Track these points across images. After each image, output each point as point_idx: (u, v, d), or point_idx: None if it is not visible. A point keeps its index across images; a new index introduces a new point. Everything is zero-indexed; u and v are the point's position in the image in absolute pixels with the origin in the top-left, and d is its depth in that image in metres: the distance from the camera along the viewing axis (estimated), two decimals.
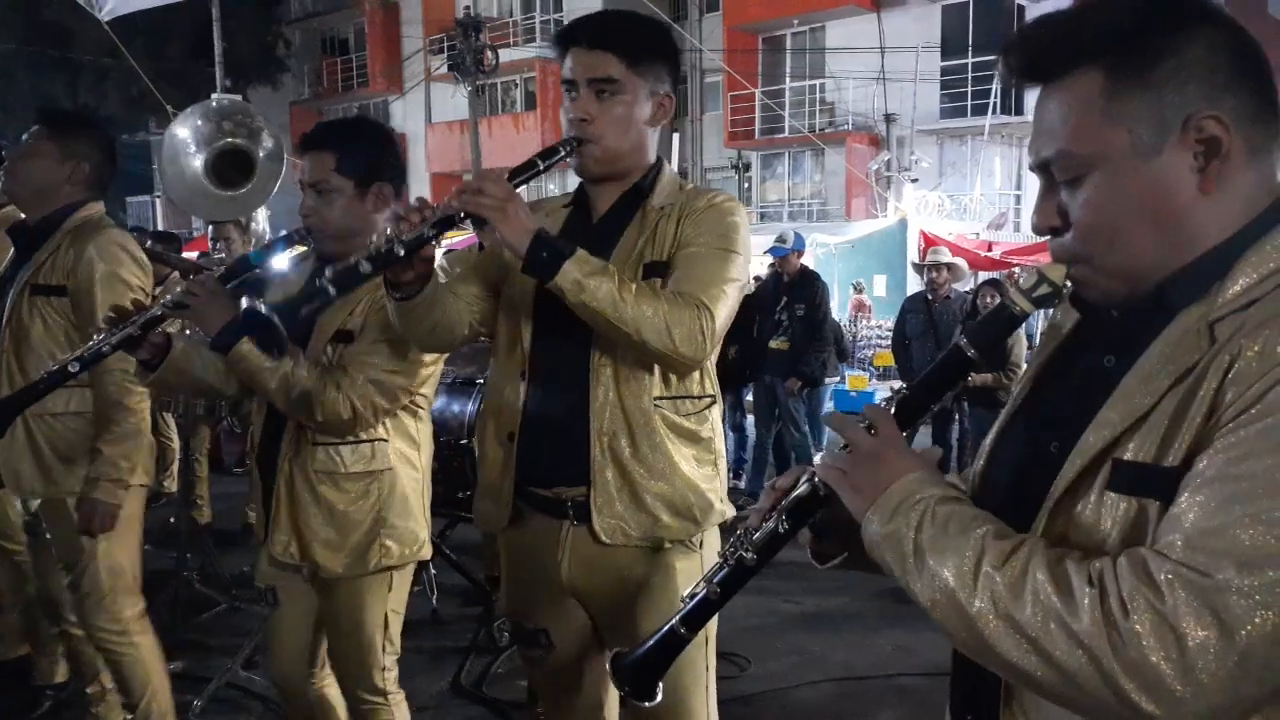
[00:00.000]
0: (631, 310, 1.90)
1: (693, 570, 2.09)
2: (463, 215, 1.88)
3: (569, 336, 2.03)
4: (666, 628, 1.29)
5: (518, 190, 1.94)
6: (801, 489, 1.26)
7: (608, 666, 1.32)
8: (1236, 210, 1.08)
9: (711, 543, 2.19)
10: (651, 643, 1.30)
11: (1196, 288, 1.07)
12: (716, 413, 2.22)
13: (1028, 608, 0.97)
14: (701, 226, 2.07)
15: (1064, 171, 1.12)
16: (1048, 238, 1.18)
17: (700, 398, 2.16)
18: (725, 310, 2.03)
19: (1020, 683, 1.05)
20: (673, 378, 2.10)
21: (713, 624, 2.19)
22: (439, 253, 2.30)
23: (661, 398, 2.10)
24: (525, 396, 2.13)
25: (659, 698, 1.30)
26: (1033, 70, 1.15)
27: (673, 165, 2.38)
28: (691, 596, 1.29)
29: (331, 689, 2.74)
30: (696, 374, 2.14)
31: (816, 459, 1.27)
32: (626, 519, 2.08)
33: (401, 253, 1.86)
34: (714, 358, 2.16)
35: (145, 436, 3.01)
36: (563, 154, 2.06)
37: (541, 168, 2.02)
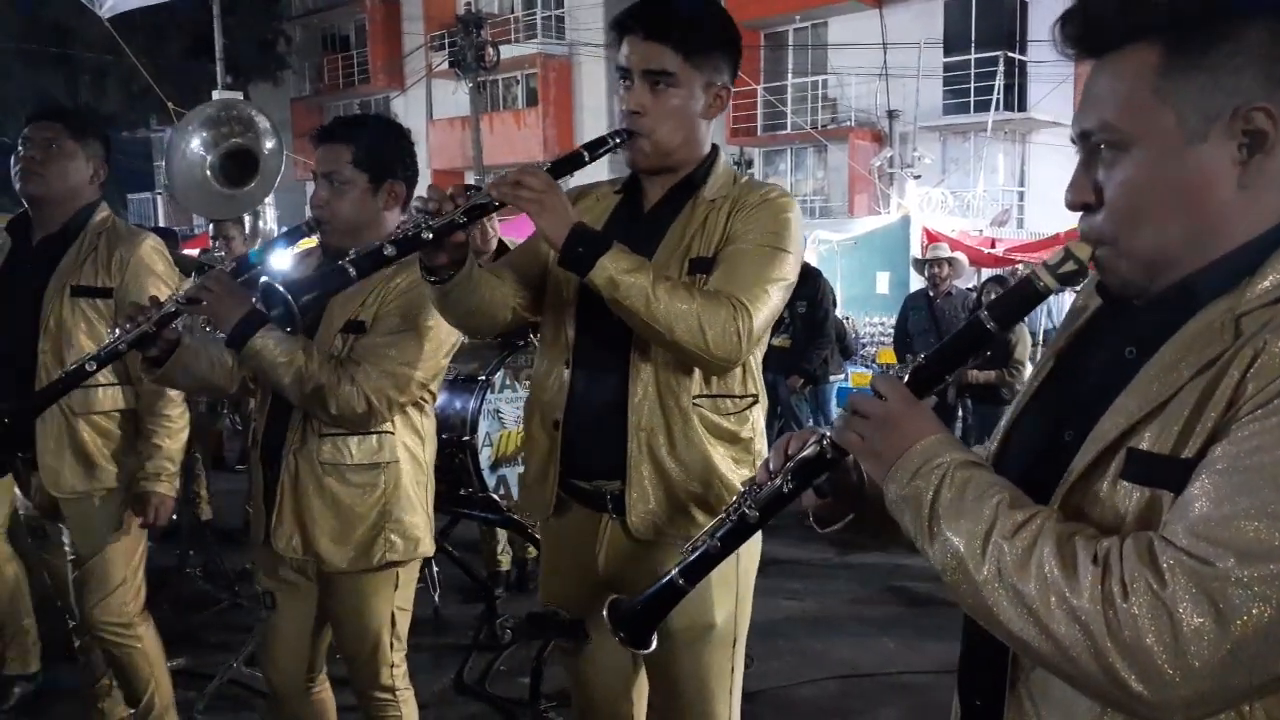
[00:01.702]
0: (664, 308, 1.88)
1: (726, 569, 2.06)
2: (498, 204, 1.88)
3: (612, 329, 2.01)
4: (665, 579, 1.30)
5: (559, 181, 1.93)
6: (808, 450, 1.26)
7: (604, 613, 1.33)
8: (1271, 207, 1.07)
9: (747, 545, 2.17)
10: (650, 593, 1.31)
11: (1224, 282, 1.06)
12: (759, 412, 2.19)
13: (1032, 580, 0.99)
14: (751, 222, 2.04)
15: (1104, 146, 1.11)
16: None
17: (742, 397, 2.14)
18: (767, 310, 1.99)
19: (1020, 651, 1.06)
20: (714, 376, 2.08)
21: (743, 629, 2.19)
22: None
23: (701, 396, 2.08)
24: (570, 386, 2.13)
25: (653, 646, 1.32)
26: (1089, 40, 1.14)
27: None
28: (693, 549, 1.30)
29: (325, 694, 2.74)
30: (738, 372, 2.11)
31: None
32: (660, 515, 2.08)
33: (429, 237, 1.85)
34: (758, 355, 2.14)
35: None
36: (611, 145, 2.04)
37: (587, 159, 2.01)
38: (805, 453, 1.26)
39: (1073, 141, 1.17)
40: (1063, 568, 0.98)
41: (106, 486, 3.01)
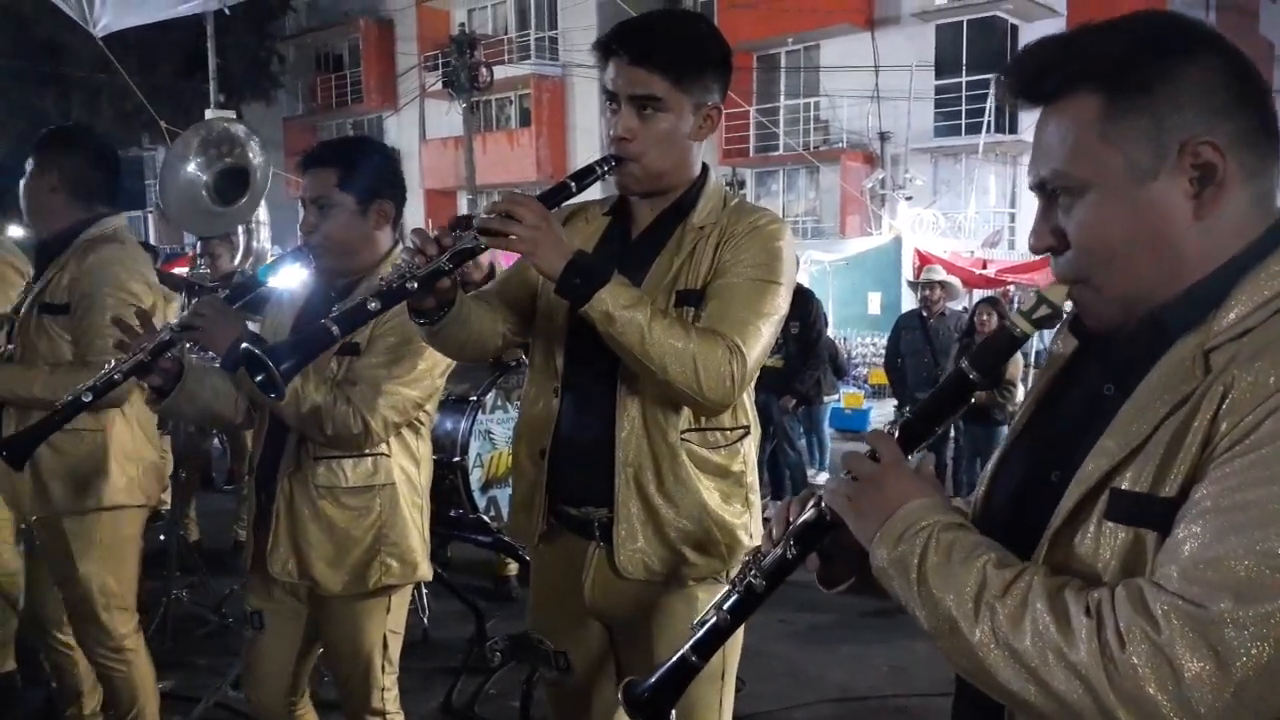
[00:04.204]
0: (659, 347, 1.84)
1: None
2: (485, 245, 1.83)
3: (600, 359, 1.96)
4: (677, 657, 1.29)
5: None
6: (808, 514, 1.26)
7: (619, 695, 1.32)
8: (1232, 236, 1.08)
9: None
10: (662, 672, 1.30)
11: (1193, 315, 1.07)
12: (750, 444, 2.13)
13: (1027, 638, 0.98)
14: (741, 253, 1.98)
15: (1060, 192, 1.13)
16: (1047, 255, 1.19)
17: (732, 429, 2.09)
18: (759, 349, 1.95)
19: (1020, 711, 1.05)
20: (703, 416, 2.04)
21: (733, 661, 2.15)
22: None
23: (690, 430, 2.03)
24: (558, 414, 2.09)
25: None
26: (1032, 91, 1.16)
27: None
28: (701, 624, 1.29)
29: (309, 717, 2.72)
30: None
31: (819, 479, 1.27)
32: (649, 553, 2.03)
33: (414, 287, 1.82)
34: (751, 384, 2.08)
35: (146, 456, 3.03)
36: (599, 173, 1.99)
37: (574, 190, 1.95)
38: (805, 516, 1.26)
39: (1031, 189, 1.19)
40: (1057, 623, 0.97)
41: (62, 510, 2.92)
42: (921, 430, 1.24)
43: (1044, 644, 0.97)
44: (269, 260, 5.93)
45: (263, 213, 5.94)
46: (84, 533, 2.95)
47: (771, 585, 1.27)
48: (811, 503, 1.27)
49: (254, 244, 5.85)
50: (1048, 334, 1.34)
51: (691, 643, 1.28)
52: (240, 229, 5.72)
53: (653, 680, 1.29)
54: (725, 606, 1.28)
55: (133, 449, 3.01)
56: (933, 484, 1.20)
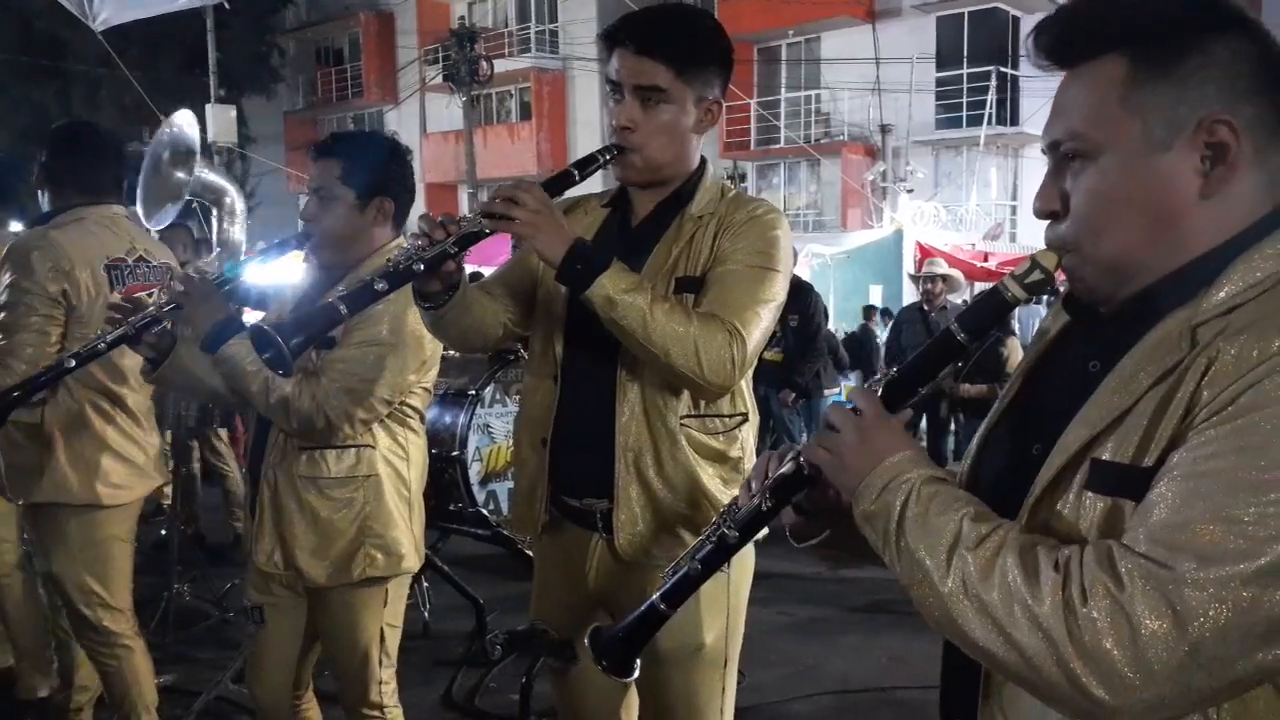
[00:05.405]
0: (661, 331, 1.85)
1: (716, 589, 2.02)
2: (490, 231, 1.84)
3: (600, 346, 1.98)
4: (647, 605, 1.29)
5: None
6: (786, 468, 1.27)
7: (586, 641, 1.32)
8: (1233, 218, 1.08)
9: (739, 562, 2.13)
10: (632, 619, 1.30)
11: (1184, 293, 1.07)
12: (748, 431, 2.15)
13: (995, 590, 1.00)
14: (740, 241, 2.01)
15: (1073, 155, 1.13)
16: (1046, 223, 1.18)
17: (731, 416, 2.11)
18: (759, 334, 1.97)
19: (987, 664, 1.07)
20: (703, 399, 2.05)
21: (734, 651, 2.17)
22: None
23: (689, 416, 2.05)
24: (557, 402, 2.10)
25: (635, 674, 1.31)
26: (1060, 51, 1.16)
27: None
28: (673, 572, 1.30)
29: (312, 711, 2.74)
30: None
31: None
32: (648, 537, 2.05)
33: (420, 269, 1.83)
34: (749, 373, 2.10)
35: (127, 456, 3.02)
36: (601, 162, 2.01)
37: (577, 178, 1.97)
38: (783, 470, 1.27)
39: (1043, 152, 1.19)
40: (1025, 576, 0.99)
41: (36, 499, 2.95)
42: (905, 388, 1.24)
43: (1010, 596, 0.98)
44: (243, 253, 5.98)
45: (238, 204, 5.97)
46: (54, 531, 2.98)
47: (745, 536, 1.28)
48: (790, 457, 1.27)
49: (229, 235, 5.86)
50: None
51: (662, 591, 1.28)
52: (214, 219, 5.77)
53: (621, 627, 1.30)
54: (698, 556, 1.28)
55: (115, 448, 3.00)
56: (911, 440, 1.21)
